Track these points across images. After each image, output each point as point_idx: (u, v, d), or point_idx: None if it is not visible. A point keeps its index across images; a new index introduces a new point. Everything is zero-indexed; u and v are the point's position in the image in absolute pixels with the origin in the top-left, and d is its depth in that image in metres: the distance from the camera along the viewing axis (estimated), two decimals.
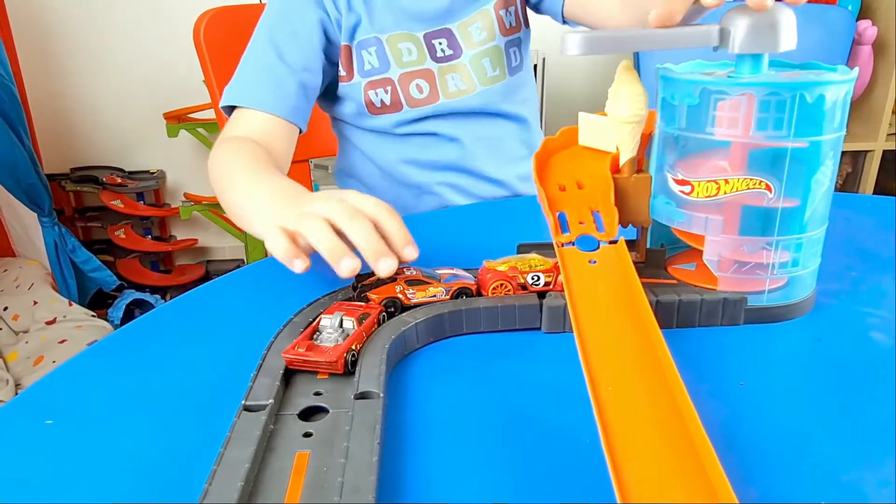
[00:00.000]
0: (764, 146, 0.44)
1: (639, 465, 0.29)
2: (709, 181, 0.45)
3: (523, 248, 0.55)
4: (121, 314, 1.89)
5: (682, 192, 0.47)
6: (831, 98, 0.43)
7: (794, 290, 0.48)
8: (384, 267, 0.46)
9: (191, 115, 2.09)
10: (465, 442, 0.37)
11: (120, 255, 2.20)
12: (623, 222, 0.51)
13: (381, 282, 0.48)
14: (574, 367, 0.37)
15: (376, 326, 0.45)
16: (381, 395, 0.38)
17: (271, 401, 0.37)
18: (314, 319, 0.45)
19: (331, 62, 0.85)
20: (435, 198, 0.92)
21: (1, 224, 2.02)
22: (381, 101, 0.86)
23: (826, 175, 0.45)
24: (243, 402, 0.37)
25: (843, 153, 1.64)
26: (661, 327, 0.39)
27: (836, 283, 0.54)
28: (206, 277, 2.24)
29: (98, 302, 2.04)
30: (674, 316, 0.48)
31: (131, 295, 1.96)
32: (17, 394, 1.02)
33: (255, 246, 2.10)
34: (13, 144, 1.70)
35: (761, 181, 0.44)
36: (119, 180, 2.15)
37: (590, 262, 0.47)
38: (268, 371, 0.40)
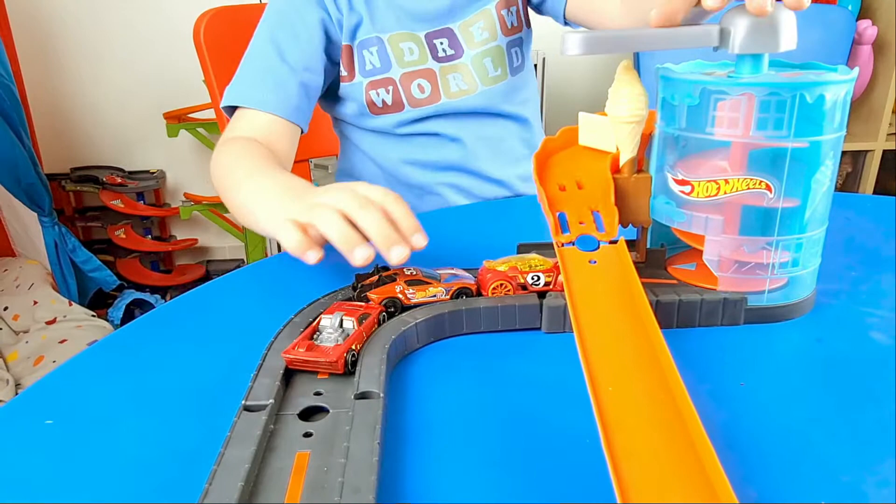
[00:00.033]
0: (764, 146, 0.44)
1: (639, 465, 0.29)
2: (709, 181, 0.45)
3: (523, 248, 0.55)
4: (121, 314, 1.89)
5: (683, 192, 0.47)
6: (831, 98, 0.43)
7: (794, 290, 0.48)
8: (396, 254, 0.46)
9: (191, 115, 2.09)
10: (465, 442, 0.37)
11: (120, 255, 2.20)
12: (623, 222, 0.51)
13: (382, 282, 0.48)
14: (574, 367, 0.37)
15: (376, 326, 0.45)
16: (382, 395, 0.38)
17: (271, 401, 0.37)
18: (314, 319, 0.45)
19: (332, 62, 0.85)
20: (437, 198, 0.92)
21: (1, 224, 2.02)
22: (383, 102, 0.86)
23: (826, 175, 0.45)
24: (243, 402, 0.37)
25: (843, 153, 1.64)
26: (662, 327, 0.39)
27: (836, 283, 0.54)
28: (206, 277, 2.24)
29: (98, 302, 2.04)
30: (674, 316, 0.48)
31: (131, 295, 1.96)
32: (17, 394, 1.02)
33: (255, 246, 2.10)
34: (13, 144, 1.70)
35: (761, 181, 0.44)
36: (119, 180, 2.15)
37: (590, 262, 0.47)
38: (268, 371, 0.40)
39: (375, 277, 0.49)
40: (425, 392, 0.42)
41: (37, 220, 1.89)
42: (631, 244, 0.52)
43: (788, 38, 0.43)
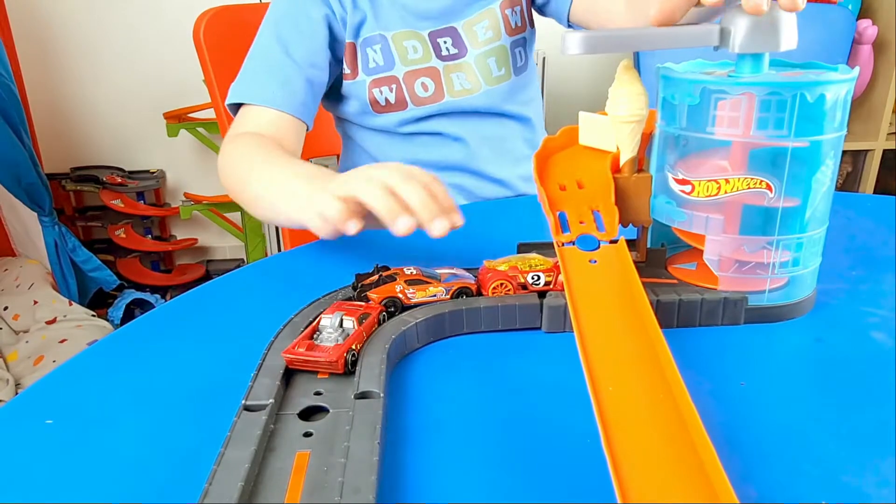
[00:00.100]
0: (764, 145, 0.44)
1: (639, 465, 0.29)
2: (709, 181, 0.45)
3: (523, 248, 0.55)
4: (121, 314, 1.89)
5: (683, 191, 0.47)
6: (832, 97, 0.43)
7: (794, 290, 0.48)
8: (438, 227, 0.47)
9: (191, 115, 2.09)
10: (465, 442, 0.37)
11: (120, 255, 2.20)
12: (623, 222, 0.51)
13: (382, 281, 0.48)
14: (574, 367, 0.37)
15: (376, 326, 0.45)
16: (382, 394, 0.38)
17: (271, 400, 0.37)
18: (314, 319, 0.45)
19: (336, 59, 0.84)
20: None
21: (1, 223, 2.02)
22: (386, 100, 0.85)
23: (826, 174, 0.45)
24: (243, 401, 0.37)
25: (844, 152, 1.64)
26: (662, 327, 0.39)
27: (836, 282, 0.54)
28: (207, 277, 2.24)
29: (98, 301, 2.04)
30: (674, 315, 0.47)
31: (131, 294, 1.96)
32: (17, 394, 1.02)
33: (255, 246, 2.10)
34: (13, 144, 1.71)
35: (762, 181, 0.44)
36: (119, 180, 2.16)
37: (590, 261, 0.47)
38: (268, 371, 0.40)
39: (375, 277, 0.49)
40: (425, 392, 0.42)
41: (37, 219, 1.89)
42: (631, 244, 0.52)
43: (789, 38, 0.43)
